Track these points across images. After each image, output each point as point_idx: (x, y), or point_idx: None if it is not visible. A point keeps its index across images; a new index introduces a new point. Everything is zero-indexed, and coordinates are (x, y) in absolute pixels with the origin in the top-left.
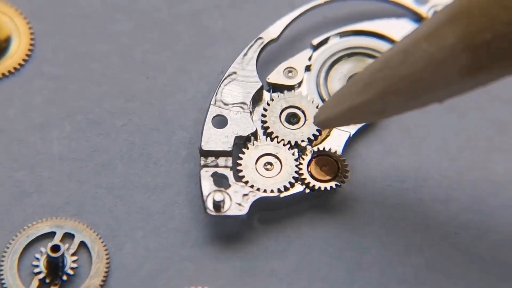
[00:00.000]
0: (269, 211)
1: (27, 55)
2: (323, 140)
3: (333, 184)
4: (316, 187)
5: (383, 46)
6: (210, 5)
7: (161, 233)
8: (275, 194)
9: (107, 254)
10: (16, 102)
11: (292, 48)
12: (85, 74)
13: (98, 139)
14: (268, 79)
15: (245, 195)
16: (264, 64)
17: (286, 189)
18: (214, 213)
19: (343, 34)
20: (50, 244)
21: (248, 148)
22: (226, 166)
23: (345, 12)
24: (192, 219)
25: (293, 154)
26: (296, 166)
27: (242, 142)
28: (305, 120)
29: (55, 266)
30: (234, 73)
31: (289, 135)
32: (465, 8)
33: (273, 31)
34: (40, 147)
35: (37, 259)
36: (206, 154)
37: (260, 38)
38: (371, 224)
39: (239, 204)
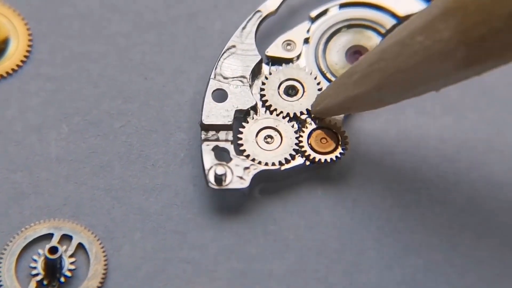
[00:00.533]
0: (271, 183)
1: (25, 57)
2: None
3: (333, 156)
4: (317, 159)
5: (383, 18)
6: (208, 6)
7: (159, 234)
8: (276, 167)
9: (105, 256)
10: (14, 103)
11: (290, 21)
12: (83, 75)
13: (96, 141)
14: (267, 52)
15: (246, 168)
16: (263, 37)
17: (287, 161)
18: (216, 187)
19: (342, 6)
20: (47, 246)
21: (248, 122)
22: (227, 140)
23: None
24: (190, 220)
25: (293, 126)
26: (296, 138)
27: (242, 116)
28: (304, 92)
29: (52, 267)
30: (233, 46)
31: (288, 107)
32: (460, 2)
33: (271, 4)
34: (38, 149)
35: (35, 260)
36: (207, 128)
37: (259, 11)
38: (369, 226)
39: (241, 177)
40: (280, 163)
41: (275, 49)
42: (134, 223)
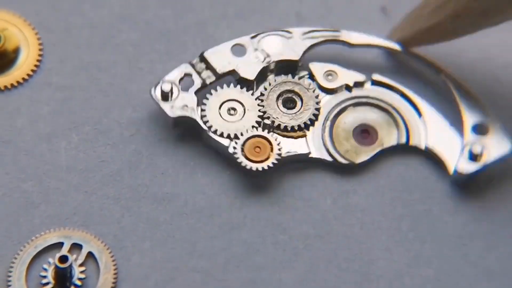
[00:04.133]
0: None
1: (36, 66)
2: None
3: (265, 165)
4: (248, 167)
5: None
6: (217, 15)
7: (168, 243)
8: (206, 128)
9: (114, 265)
10: (24, 112)
11: (357, 60)
12: (93, 84)
13: (106, 150)
14: (311, 64)
15: (192, 106)
16: (322, 53)
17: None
18: (156, 98)
19: (391, 88)
20: (58, 255)
21: (235, 88)
22: (204, 82)
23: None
24: (200, 229)
25: (259, 125)
26: (258, 123)
27: (236, 79)
28: (300, 108)
29: (63, 276)
30: (290, 33)
31: (275, 112)
32: None
33: (355, 37)
34: (48, 158)
35: (45, 269)
36: (202, 60)
37: (338, 31)
38: (379, 235)
39: (185, 102)
40: (210, 127)
41: (317, 68)
42: (144, 232)
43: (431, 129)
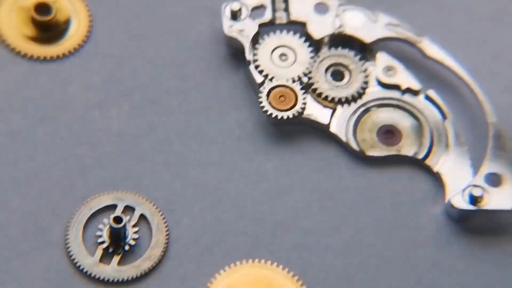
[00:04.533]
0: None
1: (86, 36)
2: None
3: (290, 113)
4: (273, 115)
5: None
6: None
7: (217, 208)
8: (250, 59)
9: (166, 227)
10: (76, 81)
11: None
12: (142, 54)
13: (155, 117)
14: (379, 53)
15: (256, 32)
16: (398, 47)
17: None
18: (224, 13)
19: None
20: (112, 216)
21: (300, 39)
22: (274, 19)
23: None
24: (247, 194)
25: (302, 88)
26: (308, 68)
27: (304, 33)
28: (346, 83)
29: (117, 236)
30: (376, 16)
31: (334, 91)
32: None
33: (434, 51)
34: (100, 124)
35: (100, 229)
36: (285, 0)
37: (421, 37)
38: (426, 202)
39: (245, 28)
40: (255, 61)
41: (382, 59)
42: (193, 196)
43: (451, 160)
